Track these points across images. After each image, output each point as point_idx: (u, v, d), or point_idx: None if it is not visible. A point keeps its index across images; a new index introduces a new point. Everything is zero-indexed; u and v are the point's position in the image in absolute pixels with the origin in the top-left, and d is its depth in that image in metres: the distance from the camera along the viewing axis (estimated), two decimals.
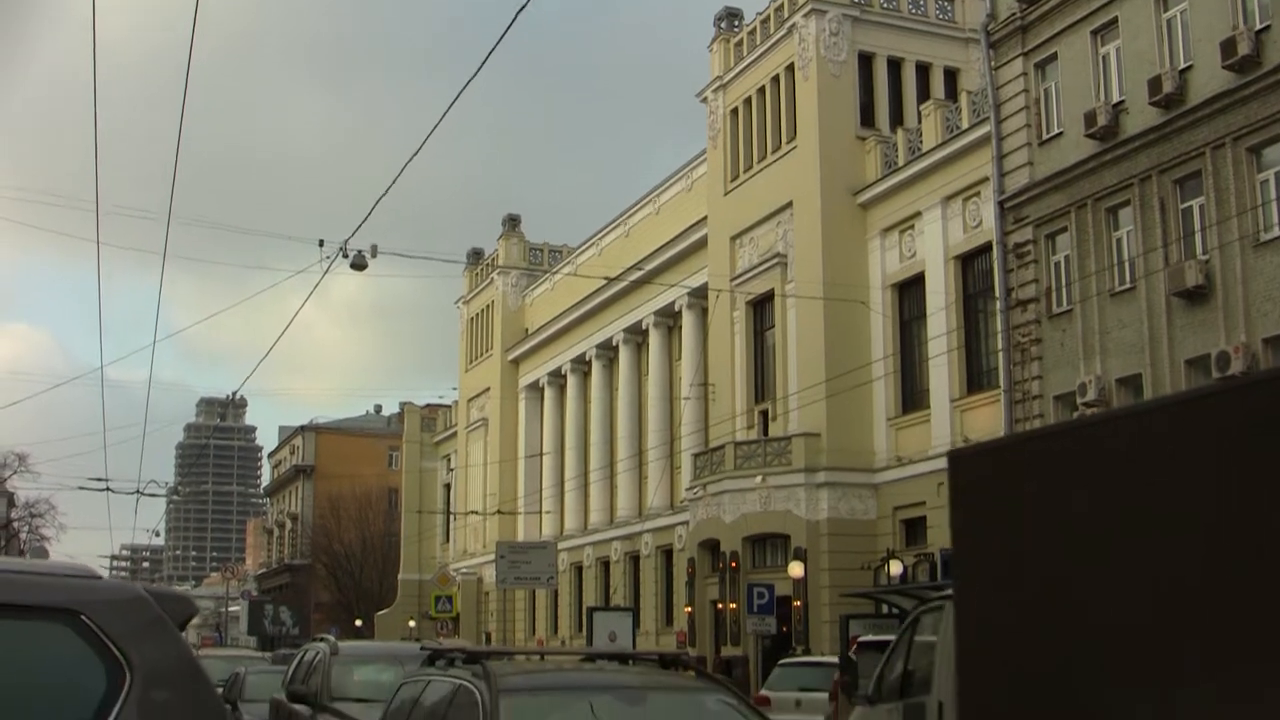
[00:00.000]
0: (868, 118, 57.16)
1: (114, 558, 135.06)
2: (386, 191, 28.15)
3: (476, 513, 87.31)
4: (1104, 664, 10.14)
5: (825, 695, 29.22)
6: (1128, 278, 39.87)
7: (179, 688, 5.65)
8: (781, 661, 37.87)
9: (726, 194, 62.65)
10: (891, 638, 18.39)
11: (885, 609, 42.15)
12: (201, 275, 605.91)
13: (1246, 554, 7.59)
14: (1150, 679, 10.47)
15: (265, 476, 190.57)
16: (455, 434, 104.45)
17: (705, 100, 65.34)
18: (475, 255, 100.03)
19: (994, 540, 11.89)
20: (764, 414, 59.07)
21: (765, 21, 60.75)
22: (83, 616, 5.49)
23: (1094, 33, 41.29)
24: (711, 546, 57.80)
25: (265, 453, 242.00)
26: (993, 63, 45.62)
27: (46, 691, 5.50)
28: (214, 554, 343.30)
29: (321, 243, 37.38)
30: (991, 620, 12.21)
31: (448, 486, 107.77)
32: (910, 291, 53.76)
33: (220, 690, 24.04)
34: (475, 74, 19.36)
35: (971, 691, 14.52)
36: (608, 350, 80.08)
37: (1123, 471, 9.80)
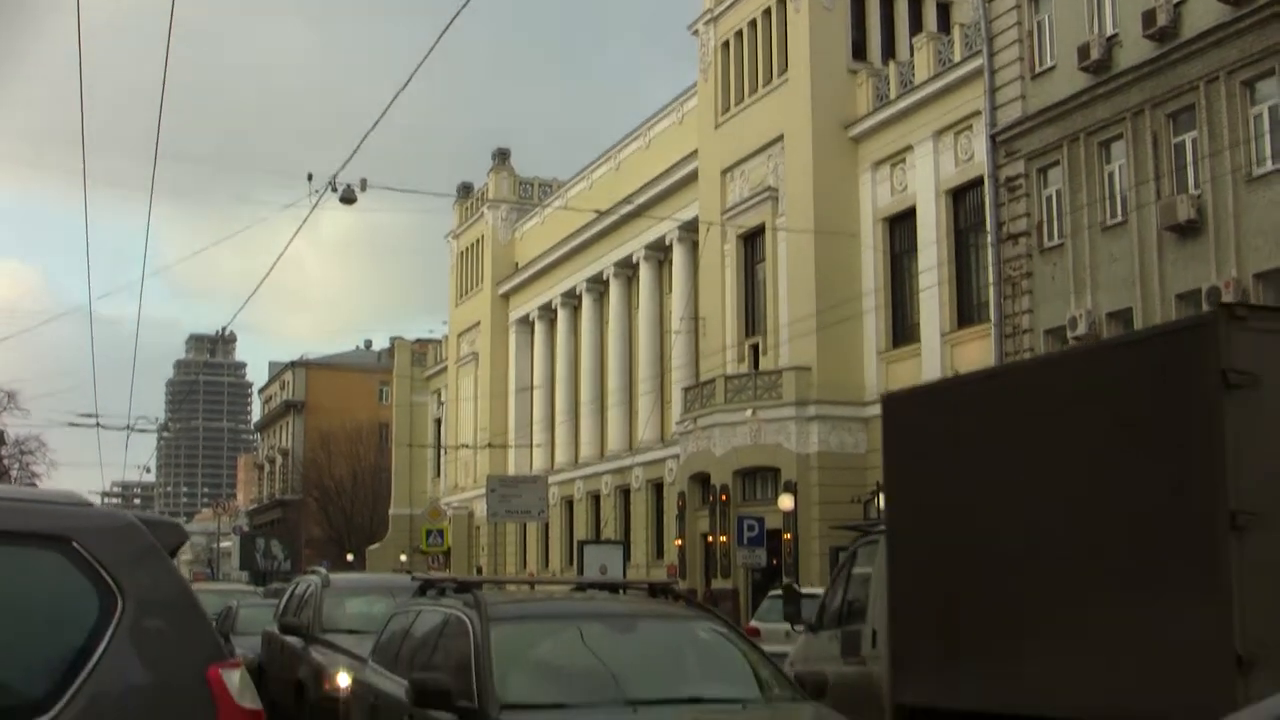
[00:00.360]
0: (859, 51, 56.93)
1: (105, 494, 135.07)
2: (375, 125, 28.07)
3: (467, 447, 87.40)
4: (1016, 588, 11.93)
5: None
6: (1119, 212, 39.84)
7: (171, 614, 5.65)
8: (771, 593, 37.97)
9: (717, 127, 62.44)
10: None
11: None
12: (190, 210, 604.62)
13: (1122, 490, 8.85)
14: (1056, 598, 12.23)
15: (256, 412, 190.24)
16: (445, 368, 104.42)
17: (696, 33, 65.07)
18: (465, 189, 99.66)
19: (920, 476, 14.28)
20: (754, 348, 59.07)
21: None
22: (74, 543, 5.49)
23: None
24: (702, 480, 57.85)
25: (256, 388, 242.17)
26: None
27: (38, 618, 5.50)
28: (205, 490, 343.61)
29: (310, 177, 37.30)
30: (918, 550, 14.46)
31: (438, 421, 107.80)
32: (901, 225, 53.69)
33: (213, 624, 24.09)
34: (464, 5, 19.24)
35: (900, 617, 15.57)
36: (598, 284, 79.98)
37: (1027, 415, 12.14)
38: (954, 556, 14.80)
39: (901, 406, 17.52)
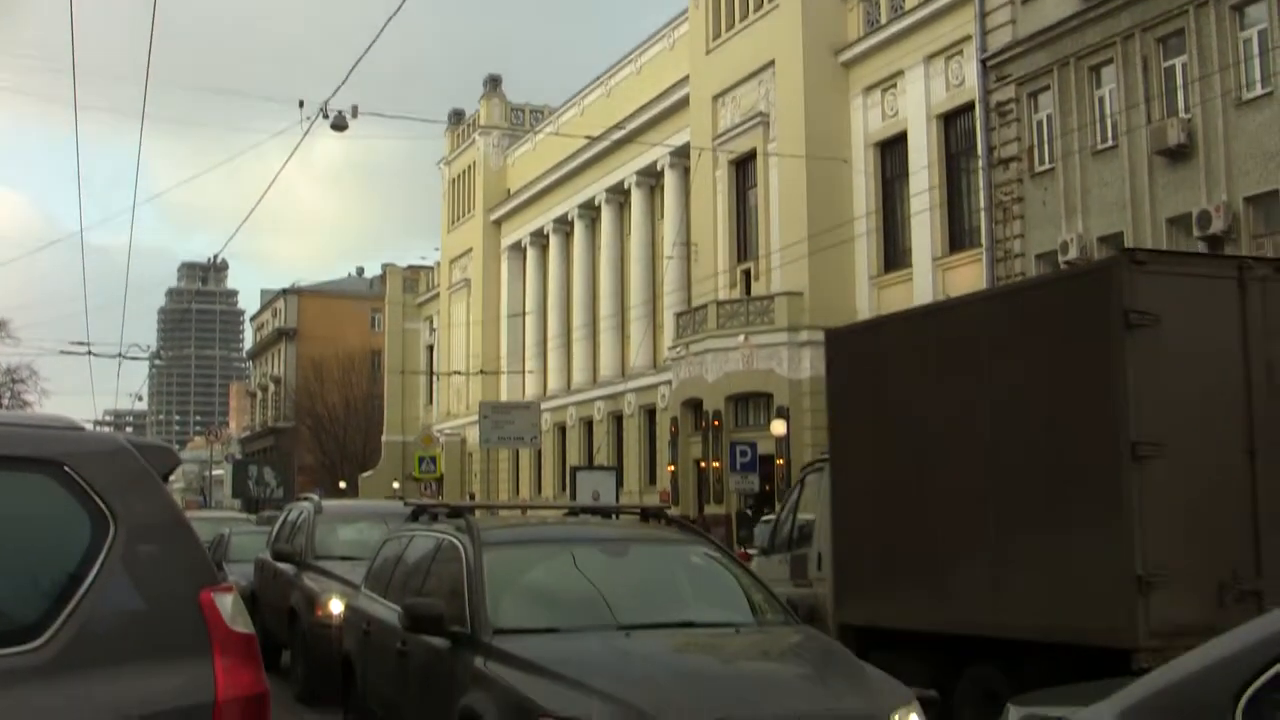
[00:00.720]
0: None
1: (97, 422, 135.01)
2: (367, 50, 27.87)
3: (459, 373, 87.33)
4: (943, 515, 12.81)
5: None
6: (1110, 136, 39.84)
7: (164, 538, 5.65)
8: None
9: (708, 53, 62.22)
10: None
11: None
12: (181, 138, 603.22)
13: (1037, 422, 11.52)
14: (979, 524, 13.28)
15: (247, 340, 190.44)
16: (438, 295, 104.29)
17: None
18: (456, 116, 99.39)
19: (859, 408, 15.48)
20: (746, 273, 59.04)
21: None
22: (66, 468, 5.47)
23: None
24: (694, 406, 57.94)
25: (247, 316, 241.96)
26: None
27: (29, 543, 5.48)
28: (197, 418, 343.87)
29: (302, 103, 37.24)
30: (857, 479, 15.66)
31: (430, 348, 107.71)
32: (892, 150, 53.57)
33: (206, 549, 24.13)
34: None
35: (842, 542, 16.80)
36: (590, 210, 79.86)
37: (954, 351, 13.31)
38: (889, 485, 16.05)
39: (843, 342, 18.79)
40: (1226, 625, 10.37)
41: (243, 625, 5.70)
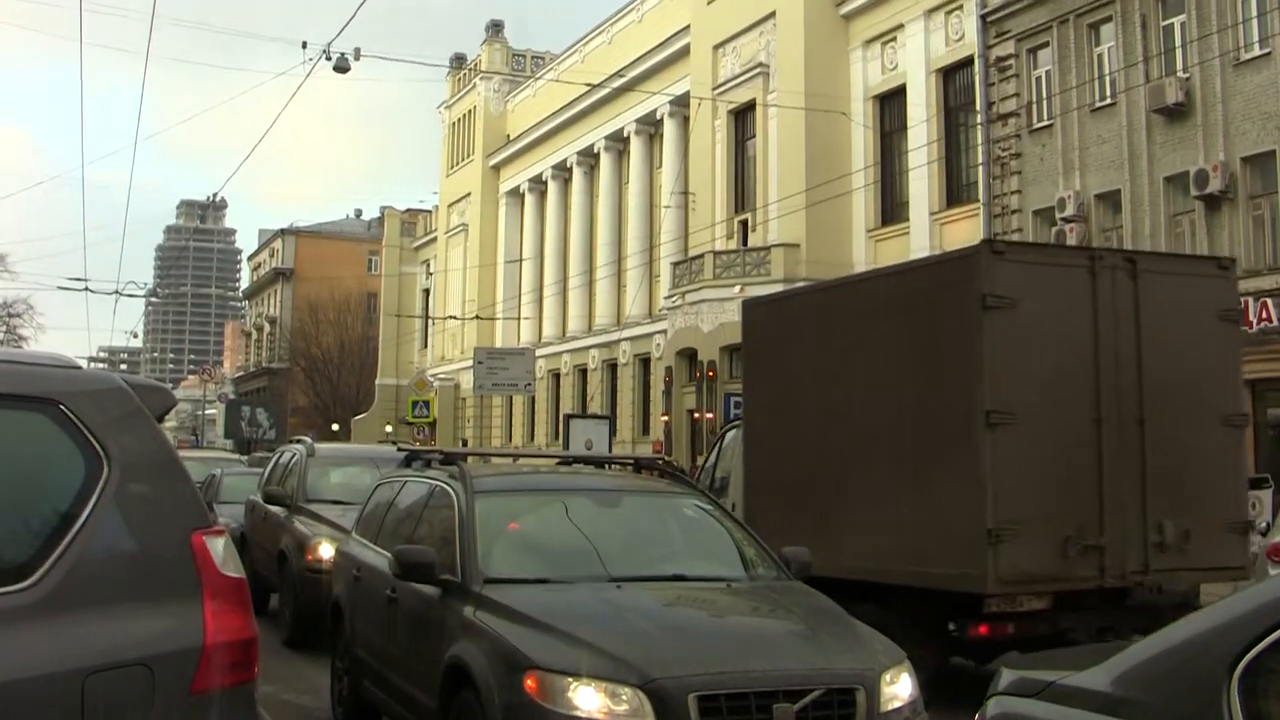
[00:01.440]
0: None
1: (92, 359, 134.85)
2: None
3: (455, 318, 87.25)
4: (836, 471, 14.38)
5: None
6: (1108, 93, 39.84)
7: (157, 480, 5.65)
8: None
9: (710, 3, 62.03)
10: None
11: None
12: (183, 76, 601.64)
13: (911, 391, 14.33)
14: (864, 480, 15.22)
15: (244, 279, 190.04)
16: (435, 239, 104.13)
17: None
18: (458, 60, 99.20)
19: (769, 372, 16.93)
20: (744, 224, 58.99)
21: None
22: (61, 406, 5.47)
23: None
24: (689, 356, 57.91)
25: (244, 255, 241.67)
26: None
27: (23, 481, 5.46)
28: (192, 356, 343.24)
29: (305, 44, 37.32)
30: (766, 435, 17.27)
31: (427, 292, 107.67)
32: (891, 104, 53.49)
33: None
34: None
35: (753, 493, 18.49)
36: (589, 157, 79.74)
37: (845, 325, 15.60)
38: (791, 443, 17.91)
39: (756, 311, 20.89)
40: (1070, 576, 13.36)
41: (233, 569, 5.71)
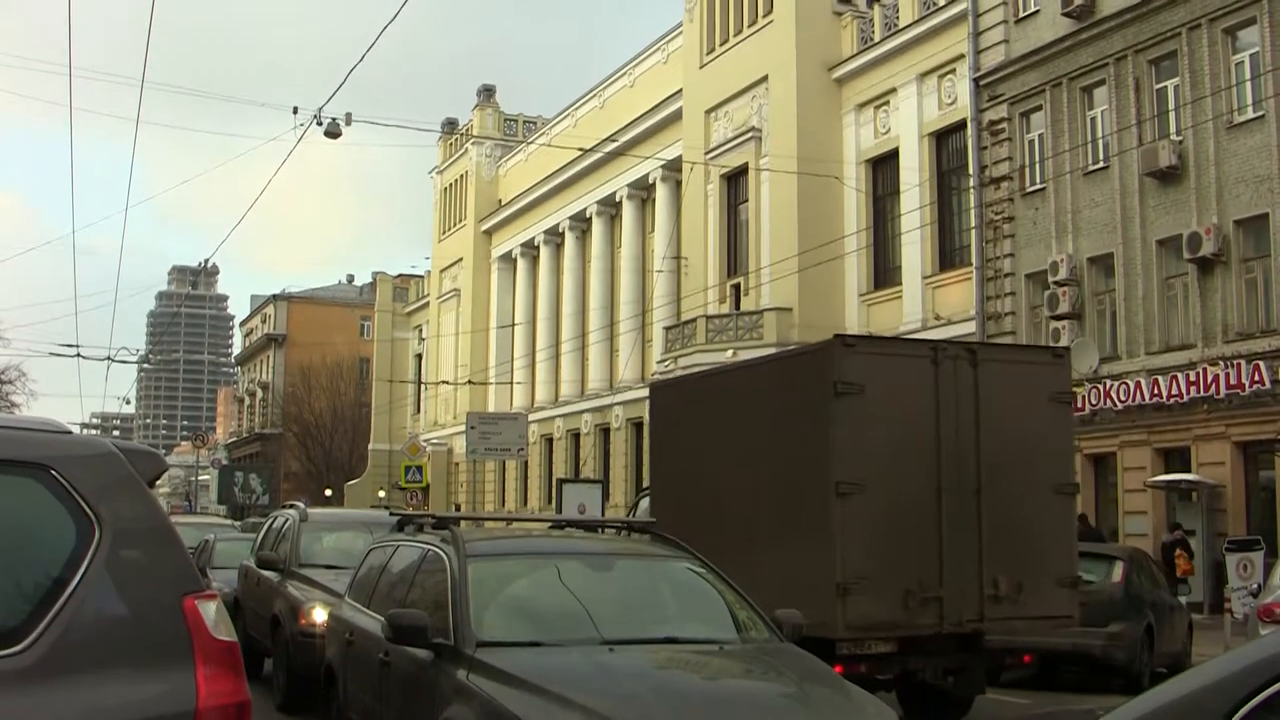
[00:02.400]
0: None
1: (84, 425, 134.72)
2: (361, 59, 28.02)
3: (448, 383, 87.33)
4: (723, 531, 15.87)
5: None
6: (1101, 157, 39.97)
7: (149, 544, 5.64)
8: None
9: (702, 67, 62.30)
10: None
11: None
12: (175, 142, 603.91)
13: (779, 464, 17.80)
14: (743, 540, 16.83)
15: (237, 345, 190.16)
16: (427, 304, 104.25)
17: None
18: (450, 125, 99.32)
19: (669, 445, 20.65)
20: (736, 288, 59.07)
21: None
22: (53, 471, 5.46)
23: None
24: None
25: (237, 321, 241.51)
26: None
27: (14, 546, 5.45)
28: (185, 422, 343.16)
29: (296, 110, 37.28)
30: (668, 499, 19.87)
31: (419, 357, 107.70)
32: (884, 168, 53.63)
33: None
34: None
35: None
36: (581, 222, 79.87)
37: (726, 406, 19.06)
38: (689, 508, 19.42)
39: (659, 393, 24.05)
40: (912, 623, 16.30)
41: (225, 633, 5.69)
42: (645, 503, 26.46)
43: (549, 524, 15.61)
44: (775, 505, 17.82)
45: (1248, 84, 35.78)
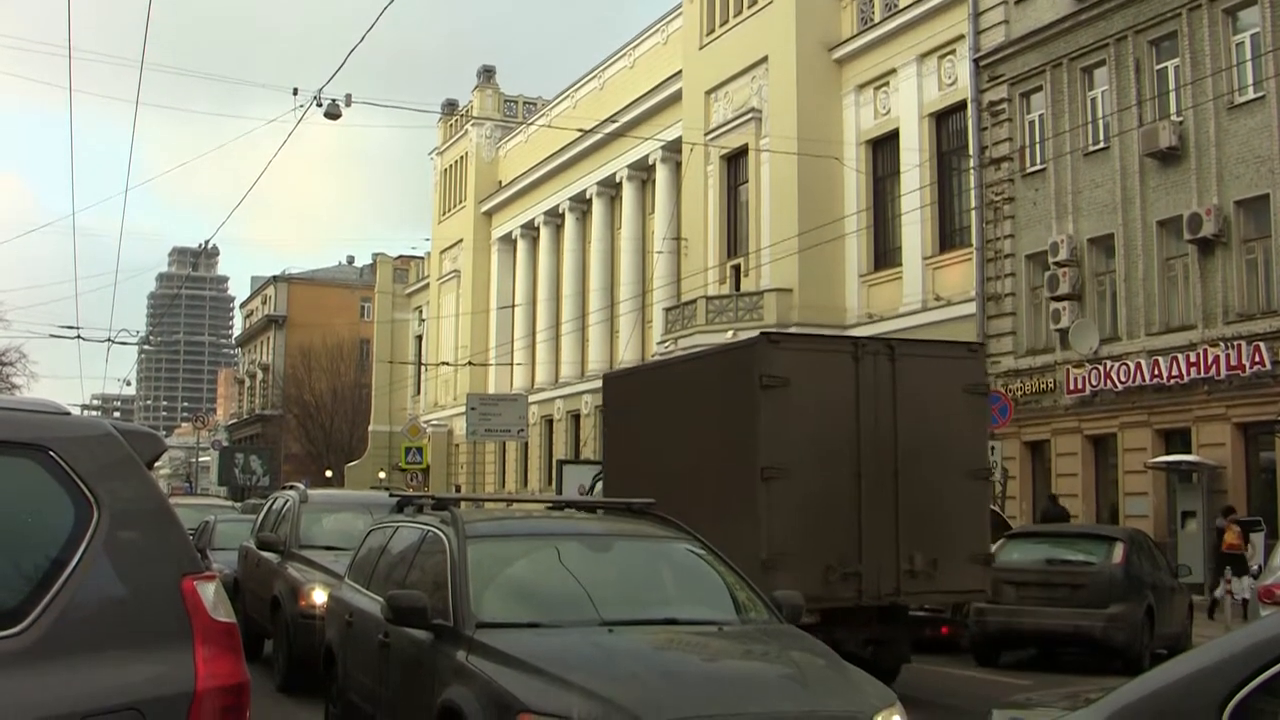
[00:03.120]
0: None
1: (85, 407, 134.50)
2: (361, 40, 27.90)
3: (448, 364, 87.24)
4: (673, 494, 15.68)
5: None
6: (1101, 137, 39.92)
7: (147, 525, 5.63)
8: None
9: (702, 48, 62.22)
10: None
11: None
12: (175, 123, 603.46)
13: (714, 450, 19.30)
14: (693, 501, 16.87)
15: (237, 327, 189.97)
16: (427, 285, 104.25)
17: None
18: (450, 106, 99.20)
19: (621, 429, 24.46)
20: (736, 269, 59.03)
21: None
22: (51, 452, 5.45)
23: None
24: None
25: (237, 303, 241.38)
26: None
27: (12, 527, 5.43)
28: (185, 404, 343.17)
29: (296, 91, 37.26)
30: (618, 479, 23.69)
31: (419, 338, 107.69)
32: (884, 148, 53.58)
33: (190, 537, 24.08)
34: None
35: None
36: (581, 203, 79.85)
37: (670, 395, 22.07)
38: (637, 489, 19.03)
39: (611, 384, 26.39)
40: (833, 597, 18.23)
41: (224, 614, 5.68)
42: (600, 485, 28.39)
43: (548, 505, 15.59)
44: (711, 488, 19.07)
45: (1248, 64, 35.73)
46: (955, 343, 28.90)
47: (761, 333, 20.82)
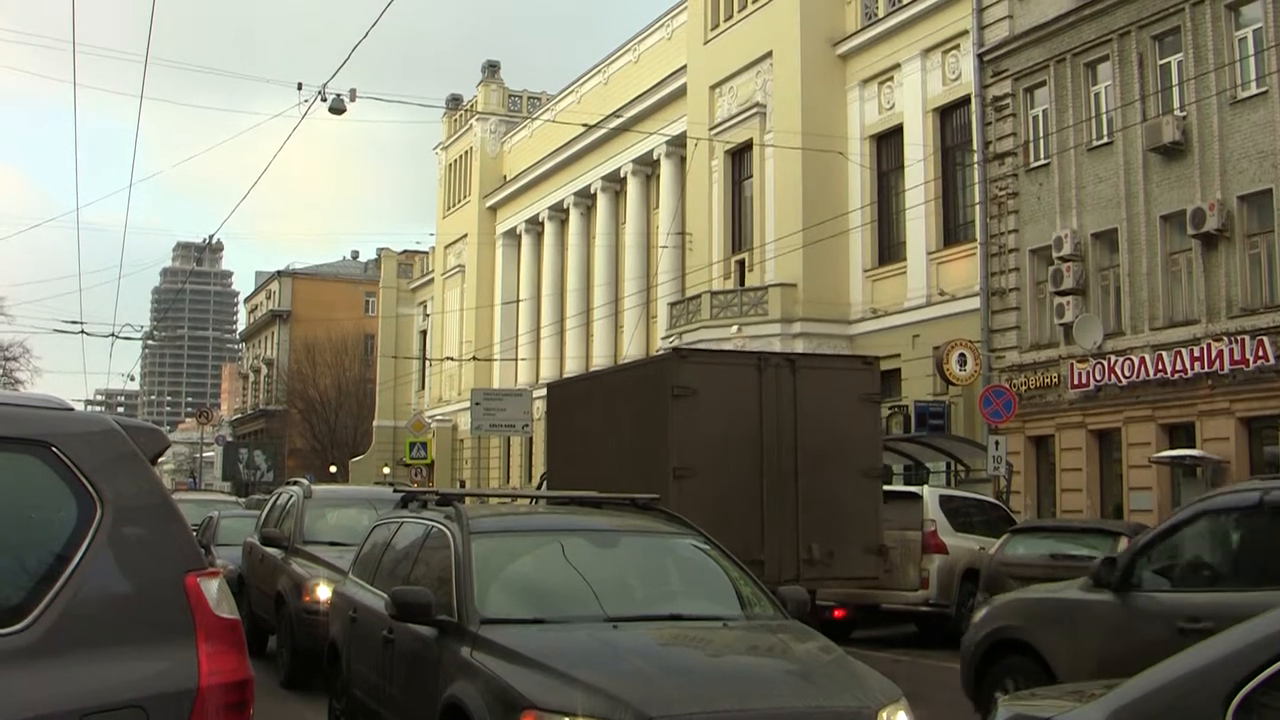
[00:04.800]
0: None
1: (89, 402, 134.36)
2: (366, 35, 27.82)
3: (452, 359, 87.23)
4: (601, 490, 16.27)
5: None
6: (1105, 132, 39.88)
7: (150, 521, 5.64)
8: None
9: (706, 43, 62.19)
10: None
11: None
12: (179, 117, 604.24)
13: (638, 451, 22.41)
14: (612, 486, 17.19)
15: (241, 321, 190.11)
16: (432, 280, 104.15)
17: None
18: (454, 101, 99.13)
19: (562, 431, 27.99)
20: (741, 264, 58.98)
21: None
22: (54, 448, 5.47)
23: None
24: None
25: (242, 297, 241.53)
26: None
27: (16, 523, 5.47)
28: (189, 399, 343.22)
29: (300, 86, 37.20)
30: (559, 475, 27.15)
31: (424, 333, 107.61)
32: (888, 143, 53.59)
33: (193, 534, 24.11)
34: None
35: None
36: (586, 198, 79.85)
37: (603, 401, 25.46)
38: (572, 483, 22.72)
39: (553, 390, 29.54)
40: None
41: (227, 610, 5.70)
42: (545, 484, 31.02)
43: (553, 500, 15.60)
44: (633, 485, 19.36)
45: (1251, 59, 35.66)
46: (852, 356, 32.86)
47: (674, 348, 24.50)
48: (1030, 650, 14.03)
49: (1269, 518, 12.06)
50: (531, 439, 75.71)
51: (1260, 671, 4.70)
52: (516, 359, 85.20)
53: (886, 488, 27.30)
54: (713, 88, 61.46)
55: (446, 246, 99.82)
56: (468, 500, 13.50)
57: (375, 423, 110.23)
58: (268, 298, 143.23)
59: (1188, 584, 12.78)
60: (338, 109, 40.51)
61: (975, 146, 45.45)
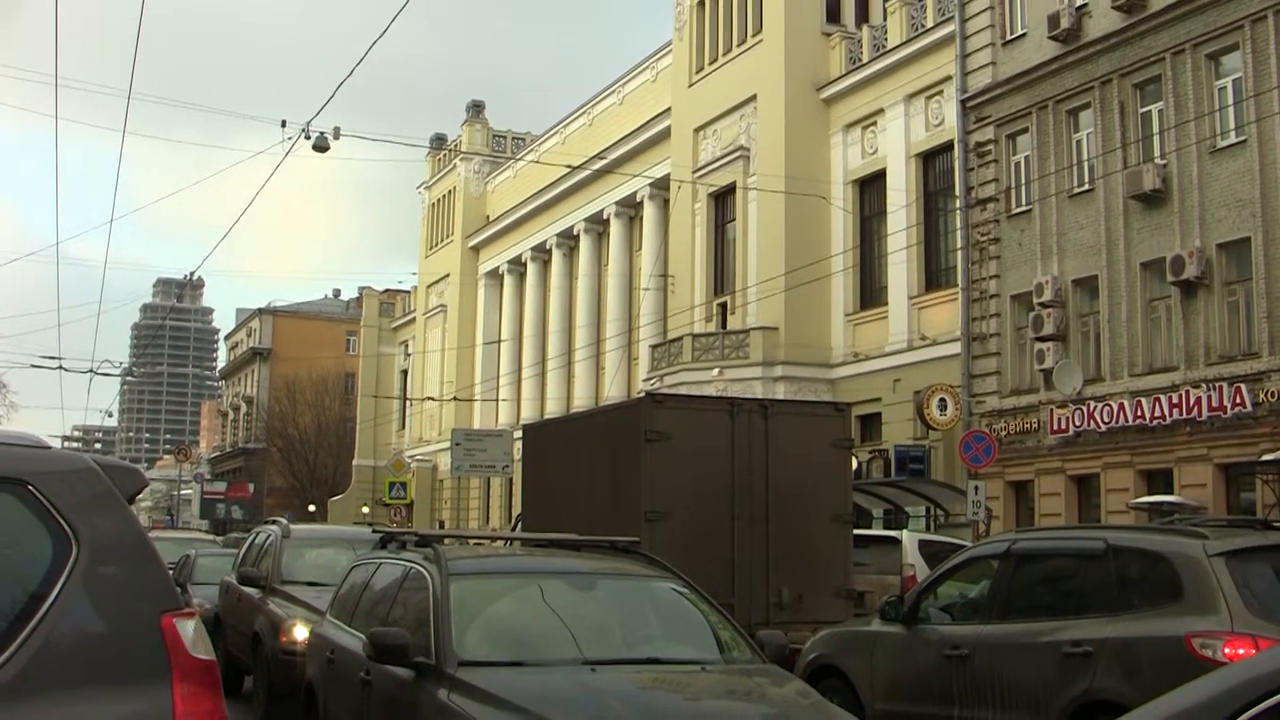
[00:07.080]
0: (833, 13, 56.88)
1: (66, 438, 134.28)
2: (350, 73, 27.86)
3: (433, 399, 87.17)
4: (573, 532, 15.83)
5: None
6: (1086, 179, 40.05)
7: (127, 561, 5.61)
8: None
9: (691, 86, 62.35)
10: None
11: None
12: (162, 152, 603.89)
13: (611, 493, 22.57)
14: (585, 528, 16.87)
15: (221, 359, 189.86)
16: (414, 320, 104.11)
17: None
18: (438, 140, 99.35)
19: (537, 470, 27.51)
20: (723, 307, 59.00)
21: None
22: (30, 486, 5.44)
23: None
24: None
25: (222, 335, 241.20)
26: None
27: None
28: (167, 436, 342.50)
29: (284, 123, 37.19)
30: (533, 516, 26.97)
31: (405, 372, 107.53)
32: (871, 188, 53.71)
33: (170, 572, 24.02)
34: None
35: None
36: (569, 239, 79.89)
37: (577, 444, 25.55)
38: (546, 525, 22.84)
39: (529, 433, 29.74)
40: None
41: (203, 651, 5.66)
42: (520, 526, 30.95)
43: (532, 542, 15.55)
44: (605, 528, 19.65)
45: (1230, 109, 35.85)
46: (824, 403, 32.96)
47: (647, 393, 24.56)
48: (840, 674, 16.12)
49: (1013, 563, 14.22)
50: (511, 480, 75.53)
51: (1250, 708, 4.69)
52: (497, 399, 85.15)
53: (866, 532, 28.74)
54: (696, 130, 61.57)
55: (429, 286, 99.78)
56: (447, 541, 13.48)
57: (355, 462, 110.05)
58: (248, 335, 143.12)
59: (957, 618, 14.99)
60: (321, 146, 40.57)
61: (957, 192, 45.60)
